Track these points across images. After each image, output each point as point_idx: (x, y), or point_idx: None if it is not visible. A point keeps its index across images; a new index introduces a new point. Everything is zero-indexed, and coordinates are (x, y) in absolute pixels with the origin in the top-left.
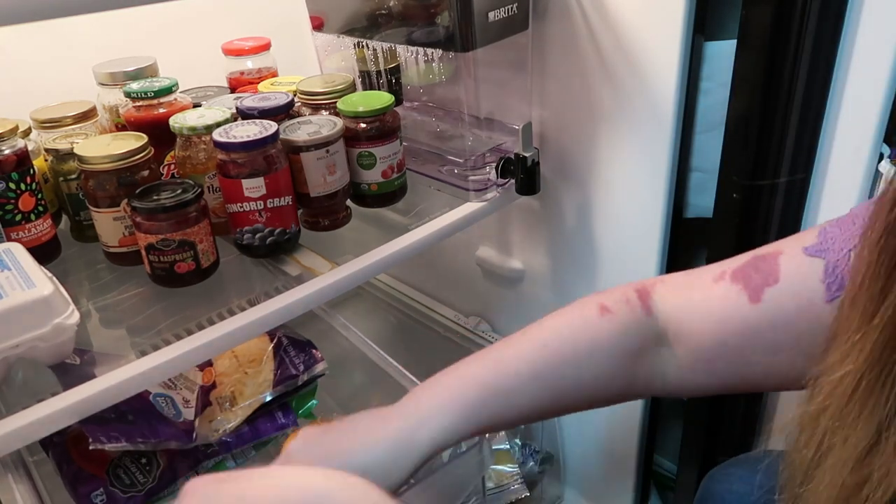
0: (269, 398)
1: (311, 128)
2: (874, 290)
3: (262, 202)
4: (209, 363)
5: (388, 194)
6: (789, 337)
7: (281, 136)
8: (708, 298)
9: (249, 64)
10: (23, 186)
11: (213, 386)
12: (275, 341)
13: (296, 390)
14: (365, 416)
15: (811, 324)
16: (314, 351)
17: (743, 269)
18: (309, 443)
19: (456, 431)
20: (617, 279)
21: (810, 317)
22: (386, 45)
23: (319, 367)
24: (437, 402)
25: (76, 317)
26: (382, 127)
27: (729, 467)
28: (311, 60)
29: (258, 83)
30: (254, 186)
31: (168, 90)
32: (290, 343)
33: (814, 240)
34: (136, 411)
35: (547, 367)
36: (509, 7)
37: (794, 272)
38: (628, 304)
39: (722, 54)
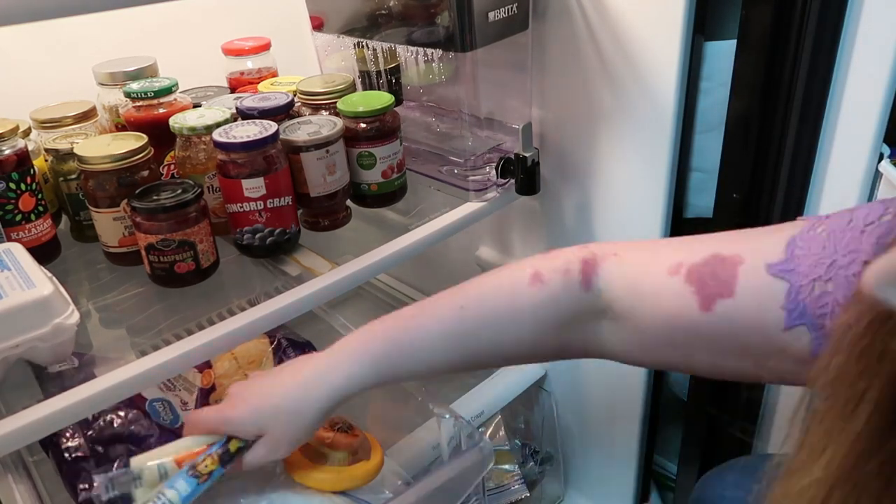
0: None
1: (311, 128)
2: (855, 389)
3: (261, 202)
4: (208, 365)
5: (388, 194)
6: (736, 346)
7: (281, 137)
8: (658, 292)
9: (249, 64)
10: (23, 186)
11: (213, 388)
12: (274, 343)
13: None
14: (295, 361)
15: (763, 341)
16: (314, 353)
17: (700, 269)
18: (244, 384)
19: (362, 378)
20: None
21: (763, 337)
22: (386, 45)
23: None
24: (347, 351)
25: (76, 317)
26: (382, 127)
27: (723, 472)
28: (311, 60)
29: (258, 83)
30: (254, 186)
31: (168, 90)
32: (290, 345)
33: (780, 255)
34: (129, 422)
35: (461, 328)
36: (509, 7)
37: (753, 291)
38: (566, 275)
39: (722, 54)
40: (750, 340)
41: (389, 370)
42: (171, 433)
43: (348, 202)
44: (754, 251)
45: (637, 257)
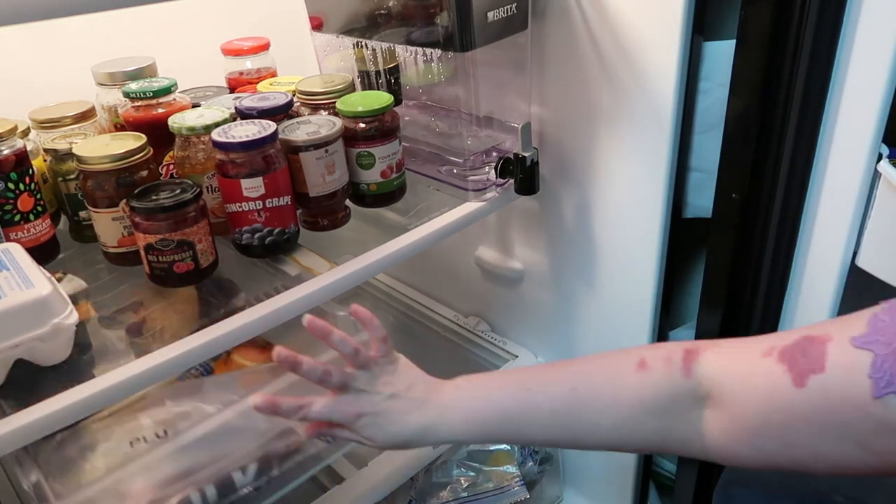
0: None
1: (310, 128)
2: None
3: (260, 202)
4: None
5: (388, 194)
6: (834, 424)
7: (280, 136)
8: (753, 372)
9: (249, 64)
10: (22, 186)
11: None
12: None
13: None
14: (419, 391)
15: (858, 415)
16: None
17: (791, 349)
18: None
19: (469, 436)
20: (616, 279)
21: (856, 409)
22: (385, 45)
23: None
24: (462, 409)
25: (75, 317)
26: (381, 127)
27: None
28: (311, 60)
29: (257, 83)
30: (252, 186)
31: (167, 90)
32: None
33: (863, 328)
34: None
35: (568, 408)
36: (508, 7)
37: (841, 364)
38: (668, 362)
39: (721, 54)
40: (846, 415)
41: (499, 437)
42: None
43: (347, 202)
44: (841, 329)
45: (733, 346)
